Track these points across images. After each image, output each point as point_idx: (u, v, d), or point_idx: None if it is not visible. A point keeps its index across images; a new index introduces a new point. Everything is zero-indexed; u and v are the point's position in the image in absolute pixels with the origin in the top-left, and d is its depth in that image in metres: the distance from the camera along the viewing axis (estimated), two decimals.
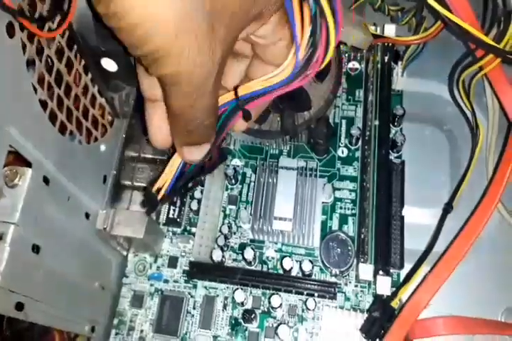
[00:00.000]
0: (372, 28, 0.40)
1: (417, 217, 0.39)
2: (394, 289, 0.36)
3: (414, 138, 0.40)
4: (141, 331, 0.38)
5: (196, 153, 0.27)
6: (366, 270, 0.36)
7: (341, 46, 0.41)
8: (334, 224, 0.39)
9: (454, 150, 0.41)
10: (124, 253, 0.39)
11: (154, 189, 0.29)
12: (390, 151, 0.39)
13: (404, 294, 0.35)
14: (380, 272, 0.36)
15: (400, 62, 0.41)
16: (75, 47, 0.29)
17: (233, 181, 0.40)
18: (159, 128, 0.27)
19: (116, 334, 0.38)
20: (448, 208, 0.37)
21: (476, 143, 0.37)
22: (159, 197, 0.29)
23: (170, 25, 0.19)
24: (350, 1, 0.42)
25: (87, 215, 0.32)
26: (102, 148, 0.32)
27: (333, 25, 0.21)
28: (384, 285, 0.36)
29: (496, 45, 0.34)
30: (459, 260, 0.32)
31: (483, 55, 0.35)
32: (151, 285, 0.39)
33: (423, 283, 0.33)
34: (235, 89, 0.26)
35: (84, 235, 0.32)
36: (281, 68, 0.25)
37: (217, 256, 0.38)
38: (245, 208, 0.40)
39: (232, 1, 0.21)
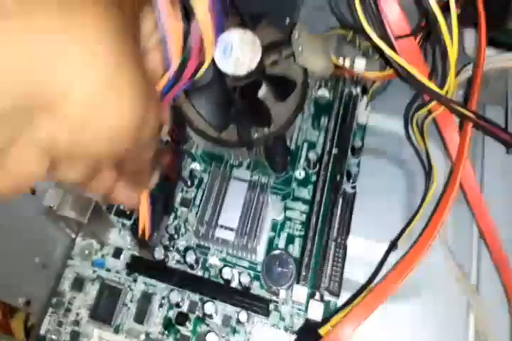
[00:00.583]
0: (341, 61, 0.40)
1: (364, 249, 0.38)
2: (327, 316, 0.34)
3: (373, 171, 0.40)
4: (77, 314, 0.39)
5: (155, 178, 0.28)
6: (301, 292, 0.35)
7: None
8: (281, 242, 0.39)
9: (410, 187, 0.40)
10: (73, 235, 0.40)
11: (140, 232, 0.31)
12: (346, 181, 0.39)
13: (336, 322, 0.34)
14: (315, 296, 0.36)
15: (365, 96, 0.40)
16: None
17: (189, 184, 0.40)
18: (130, 197, 0.26)
19: (53, 313, 0.39)
20: (393, 245, 0.36)
21: (430, 183, 0.36)
22: (147, 236, 0.31)
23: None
24: (320, 30, 0.42)
25: (33, 191, 0.33)
26: None
27: (209, 36, 0.21)
28: (316, 310, 0.35)
29: (439, 92, 0.32)
30: (387, 295, 0.31)
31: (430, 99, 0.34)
32: (94, 271, 0.39)
33: (348, 313, 0.32)
34: None
35: (28, 210, 0.34)
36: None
37: (159, 254, 0.38)
38: (196, 213, 0.39)
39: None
